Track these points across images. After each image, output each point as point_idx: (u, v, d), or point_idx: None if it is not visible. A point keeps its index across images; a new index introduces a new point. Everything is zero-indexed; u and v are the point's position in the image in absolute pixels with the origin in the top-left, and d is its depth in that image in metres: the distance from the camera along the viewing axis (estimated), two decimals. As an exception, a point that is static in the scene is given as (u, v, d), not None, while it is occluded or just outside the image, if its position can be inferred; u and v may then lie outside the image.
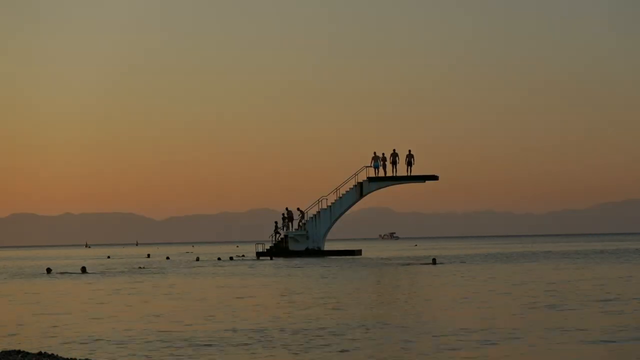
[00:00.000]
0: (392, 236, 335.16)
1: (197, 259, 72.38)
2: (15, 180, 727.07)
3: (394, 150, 67.69)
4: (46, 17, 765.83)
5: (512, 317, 18.87)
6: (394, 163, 67.48)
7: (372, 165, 68.01)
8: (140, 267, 55.84)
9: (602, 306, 20.98)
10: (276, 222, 71.11)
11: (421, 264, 51.00)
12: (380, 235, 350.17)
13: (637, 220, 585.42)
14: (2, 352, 13.33)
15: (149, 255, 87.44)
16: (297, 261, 58.95)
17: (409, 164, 67.28)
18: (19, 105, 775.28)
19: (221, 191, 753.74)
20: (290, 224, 69.62)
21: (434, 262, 50.77)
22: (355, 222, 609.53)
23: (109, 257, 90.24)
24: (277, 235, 70.49)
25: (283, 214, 70.11)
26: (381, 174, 68.02)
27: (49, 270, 49.02)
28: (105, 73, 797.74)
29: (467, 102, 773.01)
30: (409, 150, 67.56)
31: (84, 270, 48.30)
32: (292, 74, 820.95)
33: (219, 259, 72.74)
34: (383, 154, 68.07)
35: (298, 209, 69.49)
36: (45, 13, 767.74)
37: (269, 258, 67.66)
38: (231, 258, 72.85)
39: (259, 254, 71.42)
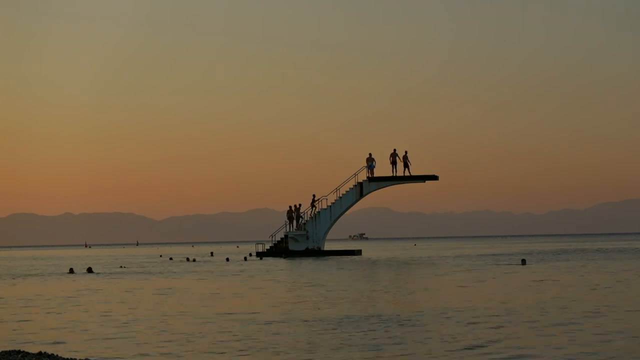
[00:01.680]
0: (361, 237, 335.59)
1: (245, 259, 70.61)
2: (15, 180, 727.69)
3: (394, 150, 67.71)
4: (47, 20, 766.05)
5: None
6: (393, 163, 67.49)
7: (367, 166, 68.10)
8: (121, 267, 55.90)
9: None
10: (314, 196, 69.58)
11: (508, 264, 46.05)
12: (350, 236, 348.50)
13: (637, 220, 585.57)
14: (2, 352, 13.33)
15: (212, 254, 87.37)
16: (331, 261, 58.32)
17: (406, 165, 67.28)
18: (19, 106, 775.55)
19: (221, 191, 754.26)
20: (295, 219, 69.05)
21: (524, 262, 46.59)
22: (355, 222, 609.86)
23: (161, 256, 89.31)
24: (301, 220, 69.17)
25: (290, 207, 69.61)
26: (383, 174, 68.24)
27: (89, 270, 48.16)
28: (105, 75, 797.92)
29: (467, 102, 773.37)
30: (405, 152, 67.54)
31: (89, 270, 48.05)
32: (291, 74, 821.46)
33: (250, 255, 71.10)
34: (371, 155, 68.31)
35: (313, 195, 68.91)
36: (46, 16, 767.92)
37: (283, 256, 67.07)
38: (245, 258, 72.40)
39: (259, 254, 71.45)
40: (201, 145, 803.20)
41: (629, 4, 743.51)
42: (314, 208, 69.12)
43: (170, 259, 77.16)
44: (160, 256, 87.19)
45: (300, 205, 69.56)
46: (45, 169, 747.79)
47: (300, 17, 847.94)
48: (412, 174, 67.62)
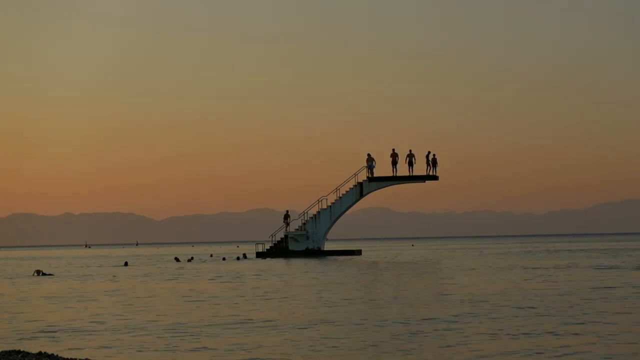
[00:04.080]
0: None
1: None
2: (15, 180, 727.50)
3: (393, 150, 67.73)
4: (47, 19, 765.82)
5: None
6: (394, 163, 67.48)
7: (367, 166, 68.12)
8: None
9: None
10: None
11: None
12: None
13: (637, 220, 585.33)
14: (2, 352, 13.31)
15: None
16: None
17: (410, 164, 67.20)
18: (19, 106, 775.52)
19: (221, 191, 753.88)
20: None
21: None
22: (355, 222, 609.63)
23: (211, 255, 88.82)
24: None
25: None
26: (384, 173, 68.27)
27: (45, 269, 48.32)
28: (105, 75, 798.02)
29: (467, 102, 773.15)
30: (410, 150, 67.52)
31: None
32: (292, 74, 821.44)
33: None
34: (370, 155, 68.36)
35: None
36: (46, 15, 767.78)
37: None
38: (239, 258, 72.35)
39: (259, 254, 71.36)
40: (201, 145, 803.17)
41: (629, 3, 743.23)
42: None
43: (181, 258, 77.25)
44: (211, 255, 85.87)
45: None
46: (45, 169, 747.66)
47: (301, 20, 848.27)
48: (413, 174, 67.64)
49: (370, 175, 68.21)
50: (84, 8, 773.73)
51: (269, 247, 70.92)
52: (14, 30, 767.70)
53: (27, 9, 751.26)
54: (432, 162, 67.20)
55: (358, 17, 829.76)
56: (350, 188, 68.52)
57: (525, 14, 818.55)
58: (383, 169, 68.22)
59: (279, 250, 69.21)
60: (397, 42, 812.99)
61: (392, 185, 68.76)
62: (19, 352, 13.26)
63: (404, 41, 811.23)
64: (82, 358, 13.50)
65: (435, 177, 68.20)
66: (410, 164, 67.21)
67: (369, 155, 68.47)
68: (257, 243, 76.67)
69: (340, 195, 68.63)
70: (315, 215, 68.77)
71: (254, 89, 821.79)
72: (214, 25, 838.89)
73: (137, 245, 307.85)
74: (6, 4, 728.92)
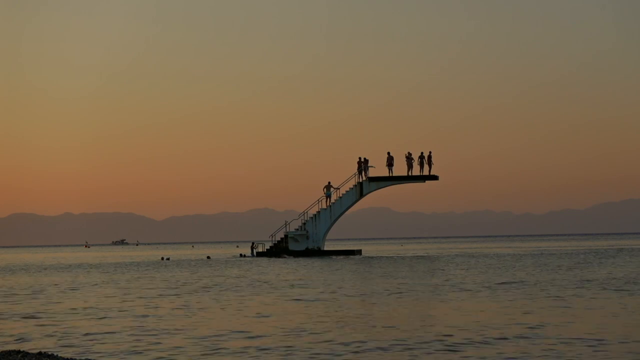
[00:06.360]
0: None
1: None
2: (15, 180, 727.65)
3: (389, 153, 67.86)
4: (46, 19, 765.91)
5: None
6: (389, 165, 67.67)
7: (361, 169, 68.10)
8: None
9: None
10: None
11: None
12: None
13: (637, 220, 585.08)
14: (2, 352, 13.32)
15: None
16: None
17: (422, 164, 67.27)
18: (19, 106, 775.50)
19: (221, 191, 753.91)
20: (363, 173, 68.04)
21: None
22: (355, 222, 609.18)
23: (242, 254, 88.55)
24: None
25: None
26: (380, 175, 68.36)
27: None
28: (104, 74, 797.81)
29: (467, 102, 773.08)
30: (422, 152, 67.60)
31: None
32: (292, 73, 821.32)
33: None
34: (364, 158, 68.47)
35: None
36: (46, 15, 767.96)
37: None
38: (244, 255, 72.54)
39: (259, 254, 71.42)
40: (201, 145, 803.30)
41: (630, 2, 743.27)
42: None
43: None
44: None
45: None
46: (45, 169, 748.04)
47: (300, 19, 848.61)
48: (412, 174, 67.76)
49: (365, 176, 68.23)
50: (84, 8, 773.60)
51: (268, 247, 70.90)
52: (14, 29, 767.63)
53: (27, 9, 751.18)
54: (428, 161, 67.37)
55: (359, 14, 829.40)
56: (350, 188, 68.56)
57: (526, 13, 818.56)
58: (381, 170, 68.37)
59: (279, 249, 69.22)
60: (397, 41, 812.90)
61: (392, 185, 68.81)
62: (18, 352, 13.27)
63: (404, 40, 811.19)
64: (82, 358, 13.51)
65: (435, 177, 68.28)
66: (422, 164, 67.34)
67: (361, 159, 68.27)
68: (258, 243, 76.63)
69: (340, 195, 68.68)
70: (315, 215, 68.78)
71: (255, 89, 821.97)
72: (215, 23, 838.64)
73: (137, 245, 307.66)
74: (6, 3, 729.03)
